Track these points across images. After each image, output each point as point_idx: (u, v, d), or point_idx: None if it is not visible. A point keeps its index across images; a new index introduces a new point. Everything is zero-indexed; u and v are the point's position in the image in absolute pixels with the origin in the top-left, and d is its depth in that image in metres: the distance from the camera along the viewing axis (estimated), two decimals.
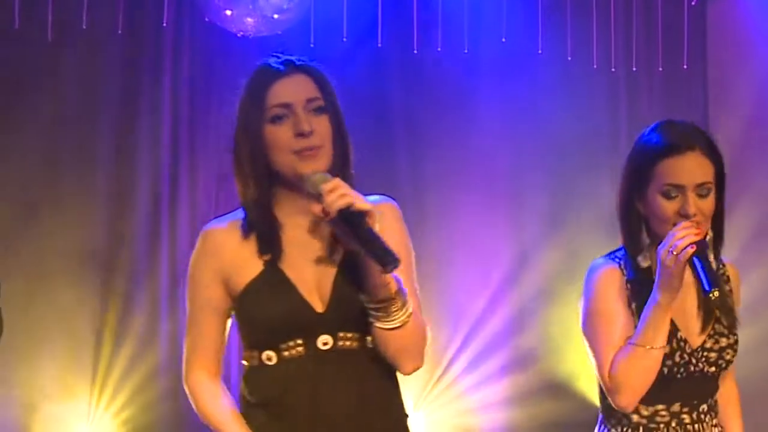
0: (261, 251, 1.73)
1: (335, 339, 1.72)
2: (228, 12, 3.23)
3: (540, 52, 4.00)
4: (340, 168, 1.73)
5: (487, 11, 4.05)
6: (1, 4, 3.80)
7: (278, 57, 1.78)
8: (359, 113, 3.97)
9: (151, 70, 4.02)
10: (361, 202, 1.62)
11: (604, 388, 1.96)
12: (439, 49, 3.98)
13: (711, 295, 1.78)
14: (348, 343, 1.73)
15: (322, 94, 1.73)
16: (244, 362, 1.79)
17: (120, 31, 3.84)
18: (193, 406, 1.80)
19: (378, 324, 1.67)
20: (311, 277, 1.73)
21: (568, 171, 4.06)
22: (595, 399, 2.08)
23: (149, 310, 4.01)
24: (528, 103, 4.11)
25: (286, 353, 1.72)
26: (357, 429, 1.70)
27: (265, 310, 1.72)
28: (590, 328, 1.98)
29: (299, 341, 1.71)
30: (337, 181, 1.64)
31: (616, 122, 4.24)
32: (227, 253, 1.76)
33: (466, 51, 3.98)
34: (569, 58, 4.06)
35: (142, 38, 4.00)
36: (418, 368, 1.76)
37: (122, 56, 3.98)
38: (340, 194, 1.61)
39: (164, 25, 3.87)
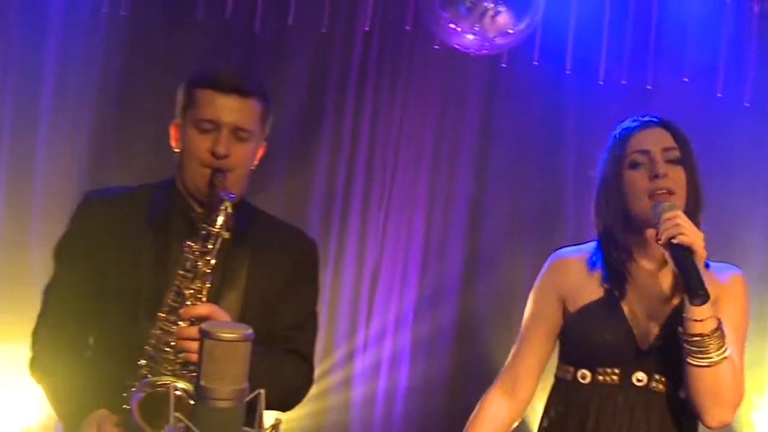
0: (604, 281, 1.90)
1: (650, 378, 1.85)
2: (452, 26, 3.36)
3: (719, 95, 4.11)
4: (690, 216, 1.85)
5: (671, 48, 4.16)
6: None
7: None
8: (541, 132, 4.18)
9: (340, 69, 4.20)
10: (689, 238, 1.74)
11: None
12: (623, 82, 4.09)
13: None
14: (660, 386, 1.84)
15: (678, 146, 1.89)
16: (558, 375, 1.96)
17: (324, 30, 4.02)
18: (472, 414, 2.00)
19: (689, 359, 1.76)
20: (644, 315, 1.87)
21: None
22: None
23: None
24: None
25: (600, 377, 1.86)
26: None
27: (593, 333, 1.87)
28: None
29: (616, 370, 1.85)
30: (679, 212, 1.78)
31: None
32: (572, 276, 1.94)
33: (649, 87, 4.10)
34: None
35: (337, 39, 4.16)
36: (724, 422, 1.82)
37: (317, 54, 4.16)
38: (674, 224, 1.75)
39: (366, 29, 4.04)
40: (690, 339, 1.75)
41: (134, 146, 3.94)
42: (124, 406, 1.69)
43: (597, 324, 1.87)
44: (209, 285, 1.77)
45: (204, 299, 1.76)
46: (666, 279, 1.90)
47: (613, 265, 1.90)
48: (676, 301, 1.87)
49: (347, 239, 4.20)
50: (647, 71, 4.11)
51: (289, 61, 4.16)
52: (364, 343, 4.19)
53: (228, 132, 1.81)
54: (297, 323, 1.94)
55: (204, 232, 1.76)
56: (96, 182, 3.73)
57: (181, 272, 1.75)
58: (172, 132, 1.92)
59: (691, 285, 1.71)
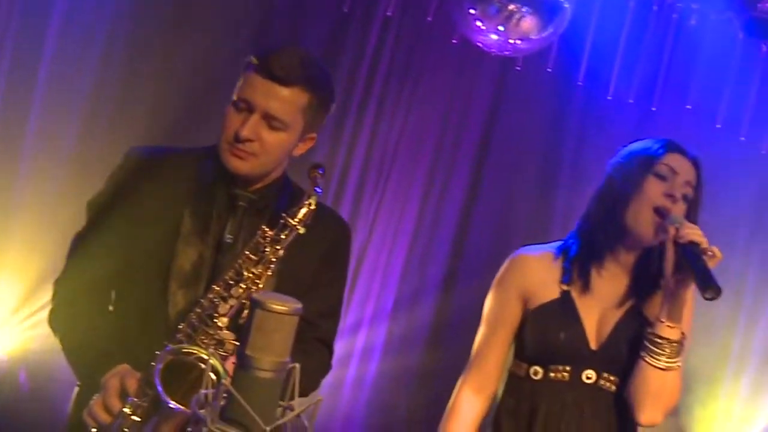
0: (563, 281, 2.00)
1: (599, 377, 1.97)
2: (479, 23, 3.39)
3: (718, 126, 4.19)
4: None
5: (680, 75, 4.24)
6: None
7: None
8: (541, 139, 4.22)
9: (354, 50, 4.21)
10: (708, 245, 1.87)
11: None
12: (630, 101, 4.16)
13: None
14: (608, 384, 1.97)
15: (696, 188, 2.01)
16: (511, 370, 2.06)
17: (345, 9, 4.01)
18: (446, 413, 2.07)
19: (646, 356, 1.90)
20: (597, 317, 1.99)
21: None
22: None
23: None
24: None
25: (552, 374, 1.97)
26: None
27: (549, 332, 1.97)
28: None
29: (567, 368, 1.97)
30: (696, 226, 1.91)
31: None
32: (534, 275, 2.02)
33: (654, 109, 4.18)
34: None
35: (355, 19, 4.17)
36: (654, 423, 1.96)
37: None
38: (696, 232, 1.87)
39: (389, 14, 4.05)
40: (654, 339, 1.89)
41: (134, 112, 3.87)
42: (152, 364, 1.63)
43: (553, 323, 1.97)
44: (270, 273, 1.73)
45: (262, 286, 1.73)
46: (623, 283, 2.02)
47: (582, 265, 2.00)
48: (629, 305, 2.00)
49: None
50: (654, 93, 4.19)
51: (305, 31, 4.14)
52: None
53: (258, 117, 1.75)
54: (326, 311, 1.92)
55: (282, 222, 1.72)
56: (88, 148, 3.76)
57: (247, 253, 1.72)
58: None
59: (706, 280, 1.82)
